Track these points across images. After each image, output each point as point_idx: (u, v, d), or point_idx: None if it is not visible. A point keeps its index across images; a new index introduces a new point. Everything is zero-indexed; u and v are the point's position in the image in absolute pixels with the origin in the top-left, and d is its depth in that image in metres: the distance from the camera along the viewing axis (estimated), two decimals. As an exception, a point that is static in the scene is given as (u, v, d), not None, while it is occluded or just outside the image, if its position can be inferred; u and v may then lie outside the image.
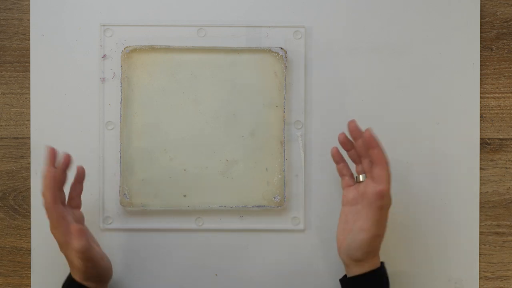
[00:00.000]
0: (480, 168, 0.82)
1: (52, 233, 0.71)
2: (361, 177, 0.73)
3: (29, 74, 0.81)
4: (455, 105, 0.82)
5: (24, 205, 0.81)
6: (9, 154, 0.82)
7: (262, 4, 0.81)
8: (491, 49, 0.83)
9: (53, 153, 0.72)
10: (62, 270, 0.78)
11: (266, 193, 0.80)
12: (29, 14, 0.81)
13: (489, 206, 0.83)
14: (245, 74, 0.80)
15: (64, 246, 0.71)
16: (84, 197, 0.79)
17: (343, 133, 0.74)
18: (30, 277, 0.81)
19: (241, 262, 0.81)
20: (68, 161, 0.73)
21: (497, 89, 0.83)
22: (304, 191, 0.81)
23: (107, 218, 0.81)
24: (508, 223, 0.83)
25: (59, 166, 0.72)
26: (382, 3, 0.82)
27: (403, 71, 0.82)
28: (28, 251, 0.81)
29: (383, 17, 0.82)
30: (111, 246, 0.80)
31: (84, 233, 0.69)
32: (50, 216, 0.70)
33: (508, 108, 0.83)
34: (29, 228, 0.81)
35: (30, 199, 0.81)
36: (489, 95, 0.83)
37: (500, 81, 0.83)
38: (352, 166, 0.75)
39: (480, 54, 0.82)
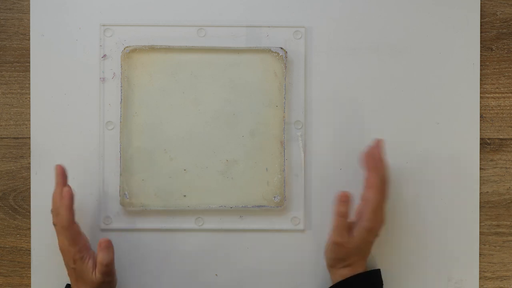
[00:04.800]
0: (480, 168, 0.82)
1: (66, 250, 0.72)
2: None
3: (29, 74, 0.81)
4: (455, 105, 0.82)
5: (24, 205, 0.81)
6: (9, 154, 0.82)
7: (262, 4, 0.81)
8: (491, 49, 0.83)
9: (64, 171, 0.74)
10: (62, 270, 0.78)
11: (266, 193, 0.80)
12: (29, 14, 0.81)
13: (489, 206, 0.83)
14: (245, 74, 0.80)
15: (78, 262, 0.71)
16: (84, 197, 0.79)
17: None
18: (30, 277, 0.81)
19: (241, 262, 0.81)
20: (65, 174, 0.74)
21: (497, 89, 0.83)
22: (304, 191, 0.81)
23: (107, 218, 0.81)
24: (508, 223, 0.83)
25: (68, 184, 0.73)
26: (382, 3, 0.82)
27: (403, 71, 0.82)
28: (28, 251, 0.81)
29: (383, 17, 0.82)
30: (111, 246, 0.80)
31: (112, 246, 0.71)
32: (67, 235, 0.71)
33: (508, 108, 0.83)
34: (29, 228, 0.81)
35: (30, 199, 0.81)
36: (489, 95, 0.83)
37: (500, 81, 0.83)
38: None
39: (480, 54, 0.82)
